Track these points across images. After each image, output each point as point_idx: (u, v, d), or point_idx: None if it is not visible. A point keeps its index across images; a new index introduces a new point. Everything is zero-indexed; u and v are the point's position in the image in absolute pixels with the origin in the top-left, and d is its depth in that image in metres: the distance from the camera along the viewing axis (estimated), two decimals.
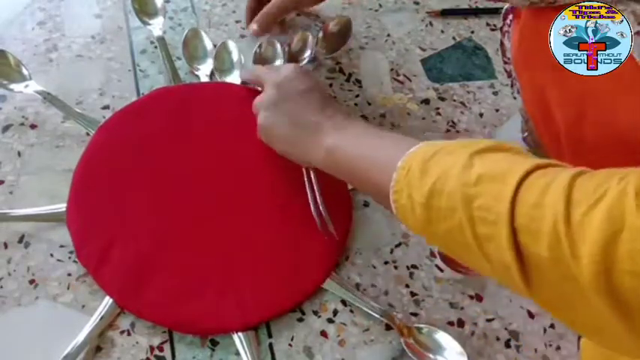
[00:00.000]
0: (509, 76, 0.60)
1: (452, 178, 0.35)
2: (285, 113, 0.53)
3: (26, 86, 0.65)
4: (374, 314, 0.54)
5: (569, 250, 0.29)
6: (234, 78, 0.70)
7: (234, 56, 0.71)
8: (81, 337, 0.50)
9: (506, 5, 0.55)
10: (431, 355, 0.51)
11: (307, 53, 0.72)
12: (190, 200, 0.58)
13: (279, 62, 0.71)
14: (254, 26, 0.71)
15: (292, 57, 0.72)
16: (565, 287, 0.30)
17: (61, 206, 0.57)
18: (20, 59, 0.66)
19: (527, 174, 0.33)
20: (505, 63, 0.59)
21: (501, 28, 0.57)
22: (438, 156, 0.38)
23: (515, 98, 0.61)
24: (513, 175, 0.33)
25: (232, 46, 0.71)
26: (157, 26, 0.73)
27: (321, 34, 0.73)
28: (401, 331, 0.53)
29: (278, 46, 0.72)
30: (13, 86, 0.65)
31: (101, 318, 0.51)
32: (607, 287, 0.27)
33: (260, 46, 0.71)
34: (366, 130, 0.50)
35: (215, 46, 0.71)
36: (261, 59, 0.70)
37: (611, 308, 0.28)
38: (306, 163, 0.54)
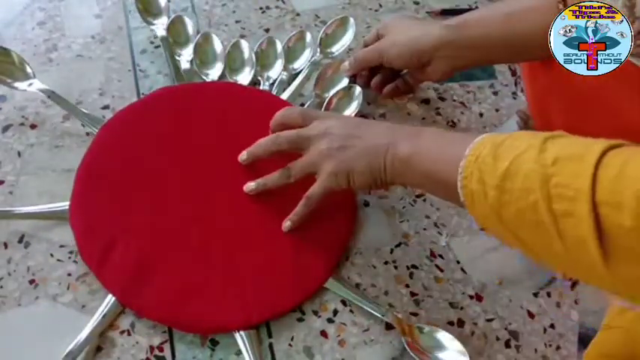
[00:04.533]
0: (514, 74, 0.60)
1: (527, 161, 0.37)
2: (354, 147, 0.52)
3: (30, 85, 0.65)
4: (374, 314, 0.54)
5: None
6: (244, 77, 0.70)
7: (246, 55, 0.71)
8: (82, 336, 0.50)
9: None
10: (432, 355, 0.51)
11: (307, 53, 0.73)
12: (192, 199, 0.58)
13: (279, 62, 0.71)
14: (346, 64, 0.69)
15: (291, 56, 0.72)
16: None
17: (62, 205, 0.57)
18: None
19: (604, 152, 0.34)
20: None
21: None
22: (507, 142, 0.39)
23: (514, 98, 0.62)
24: (590, 154, 0.34)
25: (244, 45, 0.71)
26: (160, 26, 0.73)
27: (322, 34, 0.73)
28: (402, 330, 0.53)
29: (279, 45, 0.72)
30: (17, 84, 0.65)
31: (103, 316, 0.51)
32: None
33: (260, 46, 0.71)
34: (438, 132, 0.50)
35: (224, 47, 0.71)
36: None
37: None
38: (379, 185, 0.53)
